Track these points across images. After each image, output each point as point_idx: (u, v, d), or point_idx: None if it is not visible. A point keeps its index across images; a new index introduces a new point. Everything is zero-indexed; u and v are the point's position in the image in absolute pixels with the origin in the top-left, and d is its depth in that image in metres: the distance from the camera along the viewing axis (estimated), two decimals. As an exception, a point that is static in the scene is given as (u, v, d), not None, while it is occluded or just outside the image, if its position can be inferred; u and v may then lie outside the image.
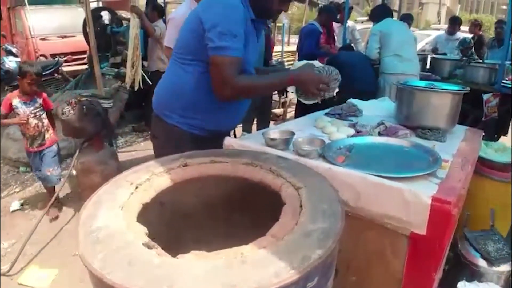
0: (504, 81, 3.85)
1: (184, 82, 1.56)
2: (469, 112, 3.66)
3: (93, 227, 0.86)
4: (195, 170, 1.19)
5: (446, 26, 6.31)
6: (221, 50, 1.39)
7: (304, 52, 4.59)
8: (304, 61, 1.79)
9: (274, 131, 1.59)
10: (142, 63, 5.31)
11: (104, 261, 0.75)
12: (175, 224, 1.24)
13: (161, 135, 1.70)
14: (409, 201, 1.11)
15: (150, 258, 0.76)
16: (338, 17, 5.05)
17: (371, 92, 3.54)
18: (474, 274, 1.61)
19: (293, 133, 1.56)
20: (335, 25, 5.27)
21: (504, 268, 1.59)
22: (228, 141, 1.52)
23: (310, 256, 0.75)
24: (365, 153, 1.51)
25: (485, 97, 3.71)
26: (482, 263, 1.61)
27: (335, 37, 5.02)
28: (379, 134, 1.75)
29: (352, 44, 5.13)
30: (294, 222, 0.88)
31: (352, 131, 1.76)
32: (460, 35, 5.99)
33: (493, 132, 3.97)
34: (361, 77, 3.56)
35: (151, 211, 1.07)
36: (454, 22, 6.09)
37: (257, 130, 4.09)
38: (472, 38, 5.62)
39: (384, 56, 3.81)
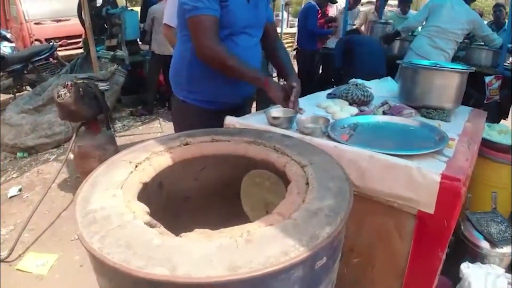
0: (506, 64, 3.79)
1: (183, 57, 1.60)
2: (470, 94, 3.61)
3: (91, 207, 0.83)
4: (196, 148, 1.15)
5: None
6: (194, 11, 1.40)
7: (304, 30, 4.81)
8: None
9: (277, 110, 1.54)
10: (140, 47, 5.23)
11: (104, 242, 0.72)
12: (175, 207, 1.21)
13: (175, 111, 1.81)
14: (417, 179, 1.08)
15: (151, 237, 0.73)
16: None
17: (380, 75, 3.47)
18: (477, 256, 1.60)
19: (296, 112, 1.51)
20: (335, 6, 5.23)
21: (506, 250, 1.58)
22: (230, 120, 1.48)
23: (319, 234, 0.72)
24: (369, 132, 1.47)
25: (487, 79, 3.65)
26: (484, 244, 1.60)
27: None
28: (383, 113, 1.71)
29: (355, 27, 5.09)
30: (300, 199, 0.84)
31: (355, 110, 1.73)
32: None
33: (495, 115, 3.92)
34: (371, 59, 3.49)
35: (150, 192, 1.03)
36: None
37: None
38: None
39: (418, 33, 3.68)
